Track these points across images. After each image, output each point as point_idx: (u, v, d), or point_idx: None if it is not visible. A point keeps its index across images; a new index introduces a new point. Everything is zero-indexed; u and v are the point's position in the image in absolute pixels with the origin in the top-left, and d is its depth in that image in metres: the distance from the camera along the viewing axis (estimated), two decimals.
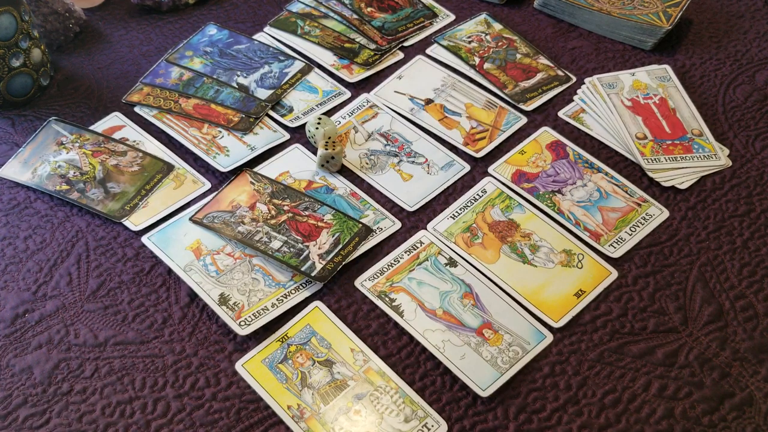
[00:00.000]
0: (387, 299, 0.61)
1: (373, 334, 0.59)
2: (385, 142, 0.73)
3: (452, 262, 0.64)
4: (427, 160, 0.72)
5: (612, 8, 0.84)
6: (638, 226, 0.66)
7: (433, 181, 0.70)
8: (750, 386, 0.56)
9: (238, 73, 0.79)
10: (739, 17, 0.86)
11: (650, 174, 0.70)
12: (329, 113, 0.76)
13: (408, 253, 0.64)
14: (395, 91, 0.78)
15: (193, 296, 0.62)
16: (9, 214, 0.68)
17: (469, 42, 0.83)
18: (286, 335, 0.59)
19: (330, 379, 0.56)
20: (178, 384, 0.57)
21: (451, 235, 0.66)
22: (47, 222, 0.67)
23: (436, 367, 0.58)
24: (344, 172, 0.71)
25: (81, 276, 0.63)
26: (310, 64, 0.81)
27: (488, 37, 0.83)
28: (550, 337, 0.59)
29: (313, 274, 0.62)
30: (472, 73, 0.80)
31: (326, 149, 0.69)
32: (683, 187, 0.69)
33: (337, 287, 0.62)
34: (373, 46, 0.82)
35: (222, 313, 0.60)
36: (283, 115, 0.76)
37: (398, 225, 0.67)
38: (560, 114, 0.76)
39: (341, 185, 0.70)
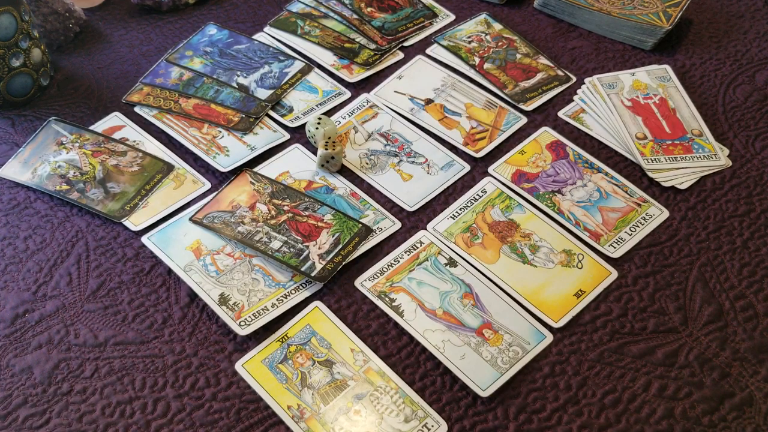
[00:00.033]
0: (387, 299, 0.61)
1: (373, 334, 0.59)
2: (385, 142, 0.73)
3: (452, 262, 0.64)
4: (427, 160, 0.72)
5: (612, 8, 0.84)
6: (638, 226, 0.66)
7: (433, 181, 0.70)
8: (750, 386, 0.56)
9: (238, 73, 0.79)
10: (739, 17, 0.86)
11: (650, 174, 0.70)
12: (329, 113, 0.76)
13: (408, 253, 0.64)
14: (395, 91, 0.78)
15: (193, 296, 0.62)
16: (9, 214, 0.68)
17: (469, 42, 0.83)
18: (286, 335, 0.59)
19: (330, 379, 0.56)
20: (178, 384, 0.57)
21: (451, 235, 0.66)
22: (47, 222, 0.67)
23: (436, 367, 0.58)
24: (344, 172, 0.71)
25: (81, 276, 0.63)
26: (310, 64, 0.81)
27: (488, 37, 0.83)
28: (550, 337, 0.59)
29: (313, 274, 0.62)
30: (472, 73, 0.80)
31: (326, 149, 0.69)
32: (683, 187, 0.69)
33: (337, 287, 0.62)
34: (373, 46, 0.82)
35: (222, 313, 0.60)
36: (283, 115, 0.76)
37: (398, 225, 0.67)
38: (560, 114, 0.76)
39: (341, 185, 0.70)
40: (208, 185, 0.70)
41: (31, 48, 0.75)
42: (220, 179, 0.70)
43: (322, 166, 0.70)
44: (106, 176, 0.70)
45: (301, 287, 0.62)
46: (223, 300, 0.60)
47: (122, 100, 0.77)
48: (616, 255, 0.64)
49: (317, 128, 0.71)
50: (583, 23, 0.85)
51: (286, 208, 0.67)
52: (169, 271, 0.64)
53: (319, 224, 0.66)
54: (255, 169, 0.71)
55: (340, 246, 0.64)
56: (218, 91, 0.77)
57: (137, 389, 0.57)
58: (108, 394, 0.56)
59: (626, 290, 0.62)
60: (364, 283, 0.62)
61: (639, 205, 0.68)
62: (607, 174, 0.70)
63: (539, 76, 0.79)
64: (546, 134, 0.74)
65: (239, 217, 0.66)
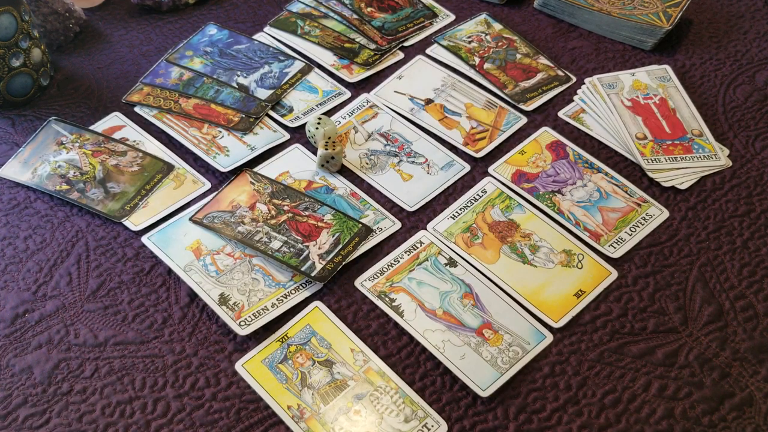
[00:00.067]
0: (387, 299, 0.61)
1: (373, 334, 0.59)
2: (385, 142, 0.73)
3: (452, 262, 0.64)
4: (427, 160, 0.72)
5: (612, 8, 0.84)
6: (638, 227, 0.66)
7: (433, 181, 0.70)
8: (750, 386, 0.56)
9: (238, 73, 0.79)
10: (739, 17, 0.86)
11: (650, 174, 0.70)
12: (329, 113, 0.76)
13: (408, 253, 0.64)
14: (395, 91, 0.78)
15: (193, 296, 0.62)
16: (9, 214, 0.68)
17: (469, 42, 0.83)
18: (286, 335, 0.59)
19: (330, 379, 0.56)
20: (178, 384, 0.57)
21: (451, 235, 0.66)
22: (47, 222, 0.67)
23: (436, 367, 0.58)
24: (344, 172, 0.71)
25: (81, 276, 0.63)
26: (310, 64, 0.81)
27: (488, 37, 0.83)
28: (550, 337, 0.59)
29: (313, 274, 0.62)
30: (472, 73, 0.80)
31: (326, 149, 0.69)
32: (683, 187, 0.69)
33: (337, 287, 0.62)
34: (373, 46, 0.82)
35: (222, 313, 0.60)
36: (283, 115, 0.76)
37: (398, 225, 0.67)
38: (560, 114, 0.76)
39: (341, 185, 0.70)
40: (208, 185, 0.70)
41: (31, 48, 0.75)
42: (220, 179, 0.70)
43: (322, 166, 0.70)
44: (106, 176, 0.70)
45: (301, 287, 0.62)
46: (223, 300, 0.60)
47: (122, 100, 0.77)
48: (616, 255, 0.64)
49: (317, 128, 0.71)
50: (583, 23, 0.85)
51: (286, 208, 0.67)
52: (169, 271, 0.64)
53: (319, 224, 0.66)
54: (255, 169, 0.71)
55: (340, 246, 0.64)
56: (218, 91, 0.77)
57: (137, 389, 0.57)
58: (108, 394, 0.56)
59: (626, 290, 0.62)
60: (364, 283, 0.62)
61: (639, 205, 0.68)
62: (607, 174, 0.70)
63: (539, 76, 0.79)
64: (546, 134, 0.74)
65: (239, 217, 0.66)
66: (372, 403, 0.55)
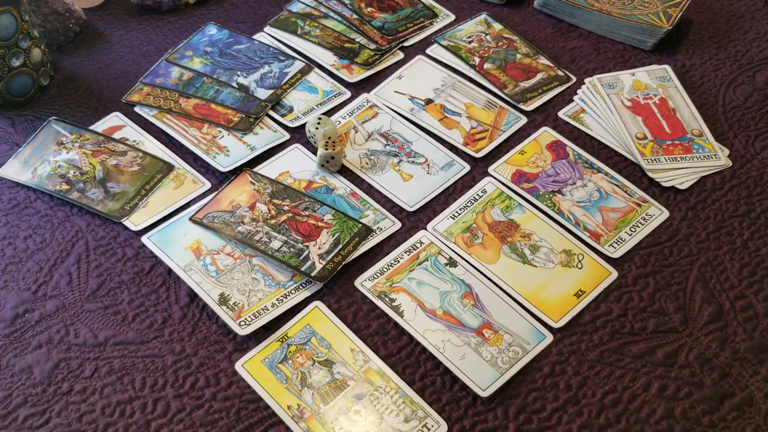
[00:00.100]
0: (387, 299, 0.61)
1: (373, 334, 0.59)
2: (385, 142, 0.73)
3: (452, 262, 0.64)
4: (427, 160, 0.72)
5: (612, 8, 0.84)
6: (638, 227, 0.66)
7: (433, 181, 0.70)
8: (750, 386, 0.56)
9: (238, 73, 0.79)
10: (739, 17, 0.86)
11: (650, 174, 0.70)
12: (329, 113, 0.76)
13: (408, 253, 0.64)
14: (395, 91, 0.78)
15: (193, 296, 0.62)
16: (9, 214, 0.68)
17: (469, 42, 0.83)
18: (286, 335, 0.59)
19: (330, 379, 0.56)
20: (178, 384, 0.57)
21: (451, 235, 0.66)
22: (47, 222, 0.67)
23: (436, 367, 0.58)
24: (344, 172, 0.71)
25: (81, 276, 0.63)
26: (310, 64, 0.81)
27: (488, 37, 0.83)
28: (550, 337, 0.59)
29: (313, 274, 0.62)
30: (472, 73, 0.80)
31: (326, 149, 0.69)
32: (683, 187, 0.69)
33: (337, 287, 0.62)
34: (373, 46, 0.82)
35: (222, 313, 0.60)
36: (283, 115, 0.76)
37: (398, 225, 0.67)
38: (560, 114, 0.76)
39: (341, 185, 0.70)
40: (208, 185, 0.70)
41: (31, 48, 0.75)
42: (220, 179, 0.70)
43: (322, 166, 0.70)
44: (106, 176, 0.70)
45: (301, 287, 0.62)
46: (223, 300, 0.60)
47: (122, 100, 0.77)
48: (616, 255, 0.64)
49: (317, 128, 0.71)
50: (583, 23, 0.85)
51: (286, 208, 0.67)
52: (169, 271, 0.64)
53: (319, 224, 0.66)
54: (255, 169, 0.71)
55: (340, 246, 0.64)
56: (218, 91, 0.77)
57: (137, 389, 0.57)
58: (108, 394, 0.56)
59: (626, 290, 0.62)
60: (364, 283, 0.62)
61: (639, 205, 0.68)
62: (607, 174, 0.70)
63: (539, 76, 0.79)
64: (546, 134, 0.74)
65: (239, 217, 0.66)
66: (372, 403, 0.55)
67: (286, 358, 0.58)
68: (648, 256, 0.64)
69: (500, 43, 0.82)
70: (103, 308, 0.61)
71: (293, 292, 0.62)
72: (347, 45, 0.82)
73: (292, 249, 0.64)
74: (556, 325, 0.60)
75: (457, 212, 0.67)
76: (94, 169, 0.70)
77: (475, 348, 0.58)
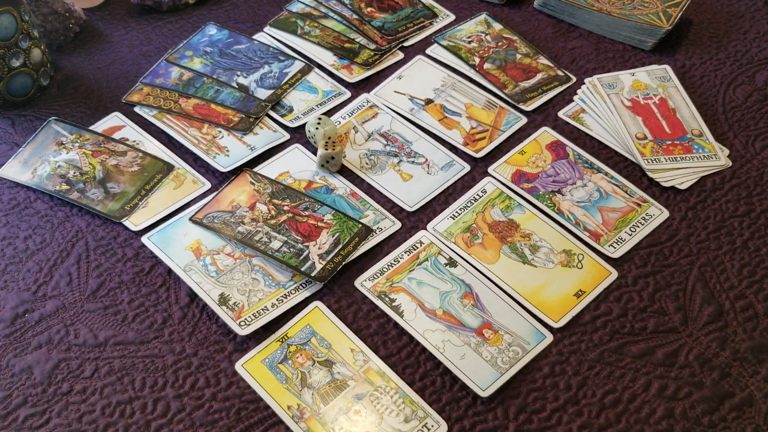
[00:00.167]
0: (387, 299, 0.61)
1: (373, 334, 0.59)
2: (385, 142, 0.73)
3: (452, 262, 0.64)
4: (427, 160, 0.72)
5: (612, 8, 0.84)
6: (638, 227, 0.66)
7: (433, 181, 0.70)
8: (750, 386, 0.56)
9: (238, 73, 0.79)
10: (739, 17, 0.86)
11: (650, 174, 0.70)
12: (329, 113, 0.76)
13: (408, 253, 0.64)
14: (395, 91, 0.78)
15: (193, 296, 0.62)
16: (9, 214, 0.68)
17: (469, 42, 0.83)
18: (286, 335, 0.59)
19: (330, 379, 0.56)
20: (178, 384, 0.57)
21: (451, 235, 0.66)
22: (47, 222, 0.67)
23: (436, 367, 0.58)
24: (344, 172, 0.71)
25: (81, 276, 0.63)
26: (310, 64, 0.81)
27: (488, 37, 0.83)
28: (550, 337, 0.59)
29: (313, 274, 0.62)
30: (472, 73, 0.80)
31: (326, 149, 0.69)
32: (683, 187, 0.69)
33: (337, 287, 0.62)
34: (373, 46, 0.82)
35: (222, 313, 0.60)
36: (283, 115, 0.76)
37: (398, 225, 0.67)
38: (560, 114, 0.76)
39: (341, 185, 0.70)
40: (208, 185, 0.70)
41: (31, 48, 0.75)
42: (220, 179, 0.70)
43: (322, 166, 0.70)
44: (106, 176, 0.70)
45: (301, 287, 0.62)
46: (223, 300, 0.60)
47: (122, 100, 0.77)
48: (616, 255, 0.64)
49: (317, 128, 0.71)
50: (583, 23, 0.85)
51: (286, 208, 0.67)
52: (169, 271, 0.64)
53: (319, 224, 0.66)
54: (255, 169, 0.71)
55: (340, 246, 0.64)
56: (218, 91, 0.77)
57: (137, 389, 0.57)
58: (108, 394, 0.56)
59: (626, 290, 0.62)
60: (364, 283, 0.62)
61: (639, 205, 0.68)
62: (607, 174, 0.70)
63: (539, 76, 0.79)
64: (546, 134, 0.74)
65: (239, 217, 0.66)
66: (372, 403, 0.55)
67: (286, 358, 0.58)
68: (648, 256, 0.64)
69: (500, 43, 0.82)
70: (103, 308, 0.61)
71: (293, 292, 0.62)
72: (347, 45, 0.82)
73: (292, 249, 0.64)
74: (556, 325, 0.60)
75: (457, 212, 0.67)
76: (94, 169, 0.70)
77: (475, 348, 0.58)
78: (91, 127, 0.74)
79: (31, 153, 0.72)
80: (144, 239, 0.65)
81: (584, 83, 0.78)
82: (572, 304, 0.61)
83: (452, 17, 0.87)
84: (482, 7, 0.88)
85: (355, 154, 0.72)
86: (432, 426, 0.54)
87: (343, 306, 0.61)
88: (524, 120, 0.75)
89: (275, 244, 0.64)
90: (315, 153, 0.72)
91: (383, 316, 0.61)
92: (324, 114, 0.76)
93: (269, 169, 0.71)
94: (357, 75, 0.80)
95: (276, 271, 0.63)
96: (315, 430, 0.54)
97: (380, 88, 0.78)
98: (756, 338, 0.59)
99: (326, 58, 0.81)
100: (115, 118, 0.76)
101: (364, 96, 0.78)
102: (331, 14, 0.86)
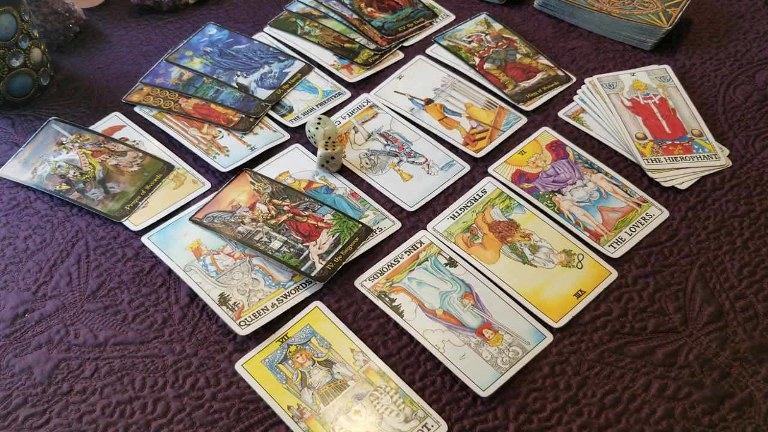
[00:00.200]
0: (387, 299, 0.61)
1: (373, 334, 0.59)
2: (385, 142, 0.73)
3: (452, 262, 0.64)
4: (427, 160, 0.72)
5: (612, 8, 0.84)
6: (638, 227, 0.66)
7: (433, 181, 0.70)
8: (750, 386, 0.56)
9: (238, 73, 0.79)
10: (739, 17, 0.86)
11: (650, 174, 0.70)
12: (329, 113, 0.76)
13: (408, 253, 0.64)
14: (395, 91, 0.78)
15: (193, 296, 0.62)
16: (9, 214, 0.68)
17: (469, 42, 0.83)
18: (286, 335, 0.59)
19: (330, 379, 0.56)
20: (178, 384, 0.57)
21: (451, 235, 0.66)
22: (47, 222, 0.67)
23: (436, 367, 0.58)
24: (344, 172, 0.71)
25: (81, 276, 0.63)
26: (310, 64, 0.81)
27: (488, 37, 0.83)
28: (550, 337, 0.59)
29: (313, 274, 0.62)
30: (472, 73, 0.80)
31: (326, 149, 0.69)
32: (683, 187, 0.69)
33: (337, 287, 0.62)
34: (373, 46, 0.82)
35: (222, 313, 0.60)
36: (283, 115, 0.76)
37: (398, 225, 0.67)
38: (560, 114, 0.76)
39: (341, 185, 0.70)
40: (208, 185, 0.70)
41: (31, 48, 0.75)
42: (220, 179, 0.70)
43: (322, 166, 0.70)
44: (106, 176, 0.70)
45: (301, 287, 0.62)
46: (223, 300, 0.60)
47: (122, 100, 0.77)
48: (616, 255, 0.64)
49: (317, 128, 0.71)
50: (583, 23, 0.85)
51: (286, 208, 0.67)
52: (169, 271, 0.64)
53: (319, 224, 0.66)
54: (255, 169, 0.71)
55: (340, 246, 0.64)
56: (218, 91, 0.77)
57: (137, 389, 0.57)
58: (108, 394, 0.56)
59: (626, 290, 0.62)
60: (364, 283, 0.62)
61: (639, 205, 0.68)
62: (607, 174, 0.70)
63: (539, 76, 0.79)
64: (546, 134, 0.74)
65: (239, 217, 0.66)
66: (372, 403, 0.55)
67: (286, 358, 0.58)
68: (648, 256, 0.64)
69: (500, 43, 0.82)
70: (103, 308, 0.61)
71: (293, 292, 0.62)
72: (347, 45, 0.82)
73: (292, 249, 0.64)
74: (556, 325, 0.60)
75: (457, 212, 0.67)
76: (94, 169, 0.70)
77: (475, 348, 0.58)
78: (91, 127, 0.74)
79: (31, 153, 0.72)
80: (144, 239, 0.65)
81: (584, 83, 0.78)
82: (572, 304, 0.61)
83: (452, 17, 0.87)
84: (482, 7, 0.88)
85: (355, 154, 0.72)
86: (432, 426, 0.54)
87: (343, 306, 0.61)
88: (524, 120, 0.75)
89: (275, 244, 0.64)
90: (315, 153, 0.72)
91: (383, 316, 0.61)
92: (324, 114, 0.76)
93: (269, 169, 0.71)
94: (357, 75, 0.80)
95: (276, 271, 0.63)
96: (315, 430, 0.54)
97: (380, 88, 0.78)
98: (756, 338, 0.59)
99: (326, 58, 0.81)
100: (115, 118, 0.76)
101: (364, 96, 0.78)
102: (331, 14, 0.86)
